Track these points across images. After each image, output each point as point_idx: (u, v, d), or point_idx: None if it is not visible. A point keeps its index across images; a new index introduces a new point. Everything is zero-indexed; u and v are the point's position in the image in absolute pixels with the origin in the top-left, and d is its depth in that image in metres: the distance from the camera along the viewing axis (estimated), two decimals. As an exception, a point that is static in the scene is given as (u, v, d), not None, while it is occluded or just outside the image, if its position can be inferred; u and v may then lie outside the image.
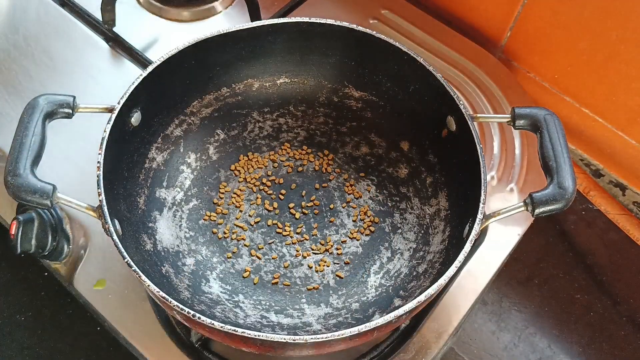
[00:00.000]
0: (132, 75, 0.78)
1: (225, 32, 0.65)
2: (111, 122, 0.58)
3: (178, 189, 0.69)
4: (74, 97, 0.57)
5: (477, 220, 0.54)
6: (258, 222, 0.69)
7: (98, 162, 0.56)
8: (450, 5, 0.90)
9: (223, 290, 0.63)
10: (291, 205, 0.70)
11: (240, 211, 0.70)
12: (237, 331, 0.49)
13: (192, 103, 0.70)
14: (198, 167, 0.71)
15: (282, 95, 0.74)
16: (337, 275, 0.66)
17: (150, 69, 0.62)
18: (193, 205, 0.69)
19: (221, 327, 0.49)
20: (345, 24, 0.66)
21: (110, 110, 0.59)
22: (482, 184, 0.57)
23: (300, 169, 0.73)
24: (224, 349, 0.64)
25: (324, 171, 0.73)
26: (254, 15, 0.81)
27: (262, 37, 0.68)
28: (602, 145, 0.87)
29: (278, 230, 0.69)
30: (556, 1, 0.77)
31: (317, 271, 0.66)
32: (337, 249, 0.67)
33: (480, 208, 0.55)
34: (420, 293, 0.52)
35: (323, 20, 0.67)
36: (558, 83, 0.85)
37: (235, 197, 0.70)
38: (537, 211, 0.53)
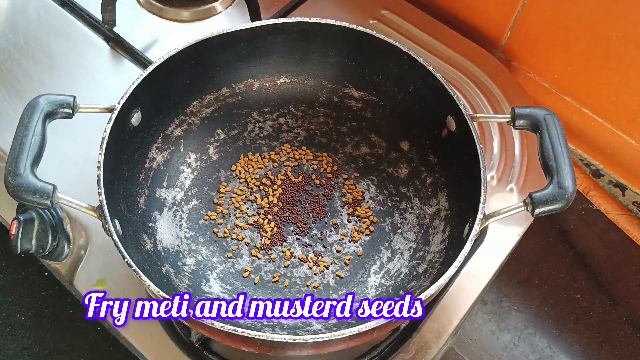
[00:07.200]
0: (132, 75, 0.78)
1: (225, 32, 0.65)
2: (111, 122, 0.58)
3: (178, 189, 0.69)
4: (74, 97, 0.57)
5: (477, 220, 0.54)
6: (258, 221, 0.69)
7: (98, 162, 0.56)
8: (450, 5, 0.90)
9: (223, 290, 0.63)
10: (291, 205, 0.70)
11: (240, 211, 0.70)
12: (237, 331, 0.49)
13: (192, 103, 0.70)
14: (198, 167, 0.71)
15: (282, 95, 0.74)
16: (337, 275, 0.66)
17: (150, 69, 0.62)
18: (193, 205, 0.69)
19: (221, 327, 0.50)
20: (345, 24, 0.66)
21: (110, 110, 0.59)
22: (482, 184, 0.57)
23: (300, 169, 0.73)
24: (224, 349, 0.64)
25: (324, 171, 0.73)
26: (254, 15, 0.81)
27: (262, 37, 0.68)
28: (602, 145, 0.87)
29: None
30: (556, 1, 0.77)
31: (317, 271, 0.66)
32: (337, 249, 0.67)
33: (480, 208, 0.55)
34: (421, 293, 0.52)
35: (323, 20, 0.67)
36: (558, 83, 0.85)
37: (235, 197, 0.70)
38: (537, 211, 0.53)
